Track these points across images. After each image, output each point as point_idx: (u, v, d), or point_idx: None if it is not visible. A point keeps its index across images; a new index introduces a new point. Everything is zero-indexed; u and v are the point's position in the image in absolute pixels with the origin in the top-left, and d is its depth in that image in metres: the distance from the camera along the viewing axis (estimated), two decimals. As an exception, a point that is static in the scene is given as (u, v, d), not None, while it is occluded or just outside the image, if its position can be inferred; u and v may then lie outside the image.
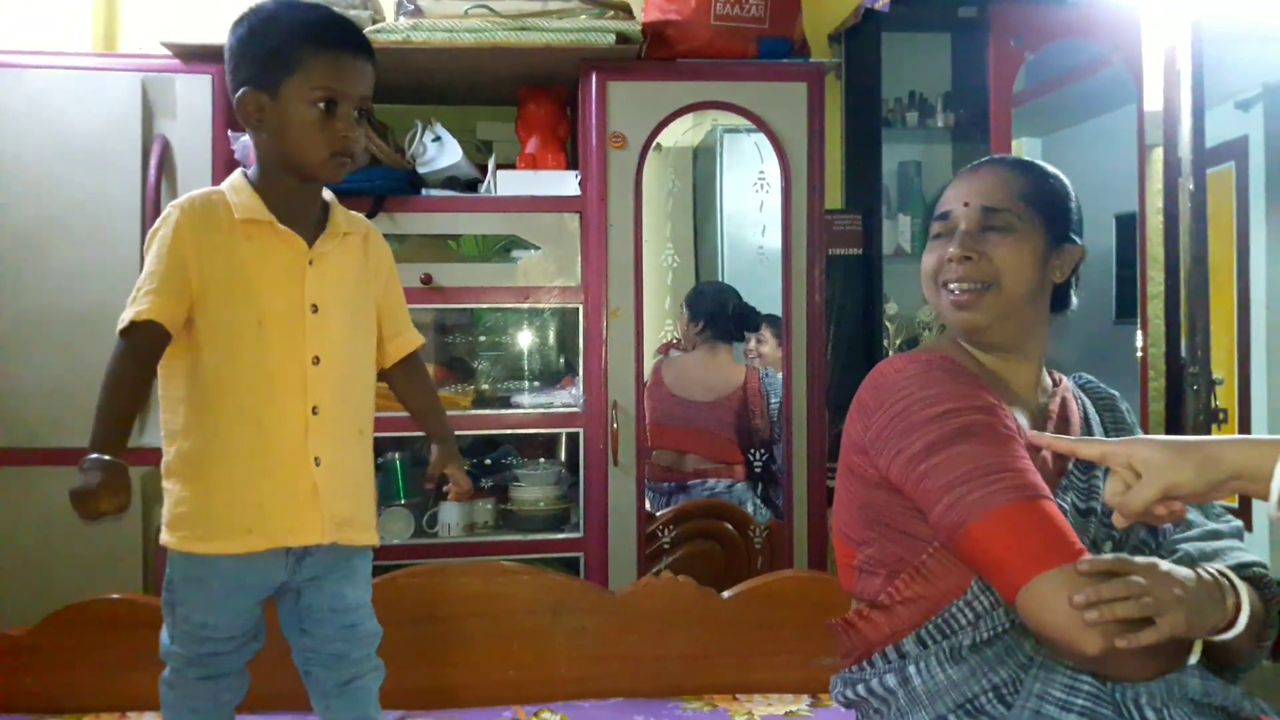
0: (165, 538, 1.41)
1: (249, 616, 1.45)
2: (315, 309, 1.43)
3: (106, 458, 1.24)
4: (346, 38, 1.42)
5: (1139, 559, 1.05)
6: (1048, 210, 1.24)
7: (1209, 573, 1.09)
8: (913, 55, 2.98)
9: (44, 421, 2.20)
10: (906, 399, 1.14)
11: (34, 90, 2.23)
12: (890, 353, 2.88)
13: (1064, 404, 1.30)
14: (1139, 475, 1.02)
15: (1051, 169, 1.30)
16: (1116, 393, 1.38)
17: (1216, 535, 1.24)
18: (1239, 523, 1.30)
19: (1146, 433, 2.63)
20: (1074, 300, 1.31)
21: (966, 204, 1.23)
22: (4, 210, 2.21)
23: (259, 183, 1.45)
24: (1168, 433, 2.82)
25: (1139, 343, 2.85)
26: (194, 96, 2.28)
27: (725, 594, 1.93)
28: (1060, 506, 1.11)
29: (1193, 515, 1.27)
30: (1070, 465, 1.21)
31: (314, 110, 1.38)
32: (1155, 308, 2.89)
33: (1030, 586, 1.02)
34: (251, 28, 1.42)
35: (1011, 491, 1.06)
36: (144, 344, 1.35)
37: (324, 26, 1.41)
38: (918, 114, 2.98)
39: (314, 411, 1.42)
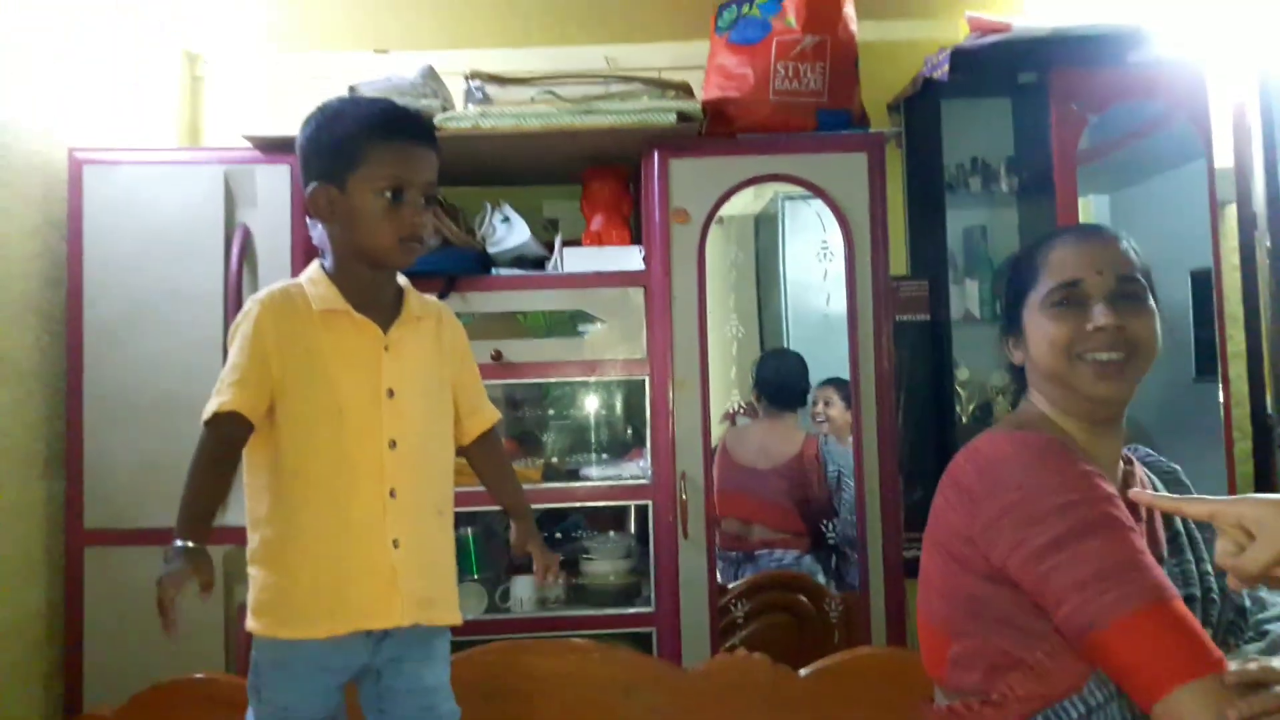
0: (251, 624, 1.44)
1: (331, 699, 1.47)
2: (391, 394, 1.46)
3: (190, 544, 1.29)
4: (408, 128, 1.47)
5: (1278, 664, 1.02)
6: (1151, 280, 1.24)
7: None
8: (973, 121, 2.98)
9: (130, 502, 2.26)
10: (1023, 488, 1.10)
11: (124, 184, 2.33)
12: (964, 418, 2.84)
13: (1140, 479, 1.27)
14: (1251, 536, 0.99)
15: None
16: (1177, 465, 1.35)
17: None
18: None
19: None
20: None
21: (1100, 273, 1.20)
22: (96, 297, 2.31)
23: (334, 273, 1.50)
24: (1257, 496, 2.72)
25: (1220, 401, 2.77)
26: (273, 186, 2.37)
27: (802, 672, 1.89)
28: None
29: (1263, 591, 1.24)
30: (1164, 552, 1.17)
31: (381, 200, 1.43)
32: (1237, 366, 2.81)
33: (1173, 698, 0.98)
34: (319, 125, 1.48)
35: (1145, 593, 1.02)
36: (227, 434, 1.40)
37: (386, 119, 1.46)
38: (980, 179, 2.97)
39: (391, 494, 1.44)
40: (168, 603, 1.26)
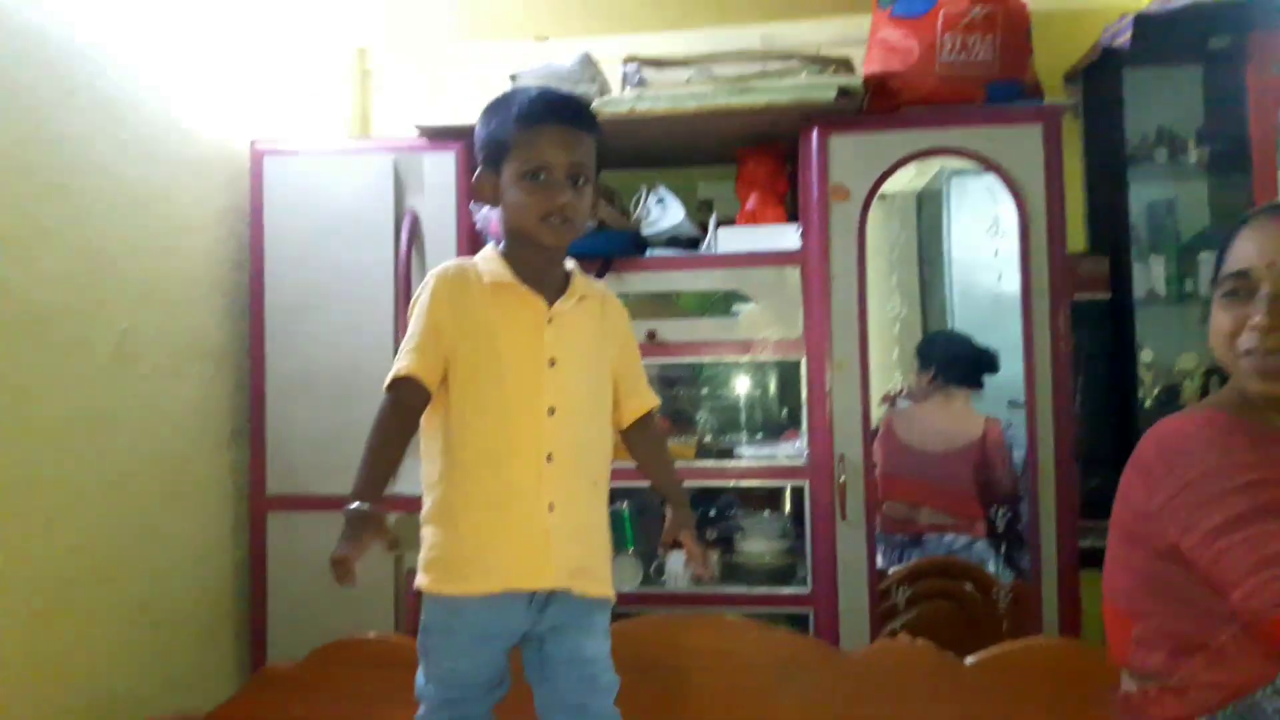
0: (419, 580, 1.51)
1: (494, 664, 1.52)
2: (552, 363, 1.50)
3: (365, 506, 1.36)
4: (550, 113, 1.50)
5: None
6: None
7: None
8: (1159, 90, 2.79)
9: (309, 471, 2.40)
10: (1201, 466, 1.06)
11: (300, 172, 2.47)
12: (1147, 402, 2.67)
13: None
14: None
15: None
16: None
17: None
18: None
19: None
20: None
21: (1271, 265, 1.12)
22: (276, 280, 2.45)
23: (506, 252, 1.57)
24: None
25: None
26: (440, 172, 2.44)
27: (968, 660, 1.82)
28: None
29: None
30: None
31: (525, 182, 1.49)
32: None
33: None
34: (483, 118, 1.57)
35: None
36: (404, 398, 1.48)
37: (530, 106, 1.51)
38: (1167, 151, 2.78)
39: (548, 459, 1.48)
40: (344, 576, 1.33)
